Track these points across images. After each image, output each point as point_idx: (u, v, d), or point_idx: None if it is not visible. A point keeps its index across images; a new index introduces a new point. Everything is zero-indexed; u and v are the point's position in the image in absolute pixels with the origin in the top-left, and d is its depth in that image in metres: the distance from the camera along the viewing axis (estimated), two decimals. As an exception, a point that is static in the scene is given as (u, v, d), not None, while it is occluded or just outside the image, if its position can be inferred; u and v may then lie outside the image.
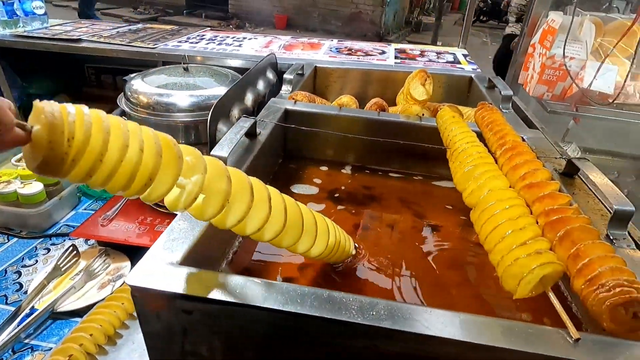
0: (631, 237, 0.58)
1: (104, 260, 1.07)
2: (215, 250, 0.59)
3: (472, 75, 1.35)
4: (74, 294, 0.97)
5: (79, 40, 1.63)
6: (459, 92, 1.37)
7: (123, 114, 1.17)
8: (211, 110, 0.85)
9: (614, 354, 0.39)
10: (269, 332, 0.45)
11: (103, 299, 0.91)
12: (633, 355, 0.39)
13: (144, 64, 1.51)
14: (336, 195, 0.85)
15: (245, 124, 0.71)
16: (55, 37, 1.65)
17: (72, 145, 0.31)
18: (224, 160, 0.61)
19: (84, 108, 0.33)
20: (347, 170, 0.95)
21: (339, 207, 0.81)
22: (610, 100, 1.28)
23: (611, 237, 0.57)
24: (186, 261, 0.48)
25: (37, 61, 1.77)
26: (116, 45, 1.60)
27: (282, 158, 0.97)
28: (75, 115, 0.31)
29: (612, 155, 1.46)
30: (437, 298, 0.62)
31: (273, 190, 0.47)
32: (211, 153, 0.61)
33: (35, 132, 0.30)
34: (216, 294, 0.43)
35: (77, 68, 1.97)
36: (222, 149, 0.62)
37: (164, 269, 0.45)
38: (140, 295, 0.44)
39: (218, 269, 0.60)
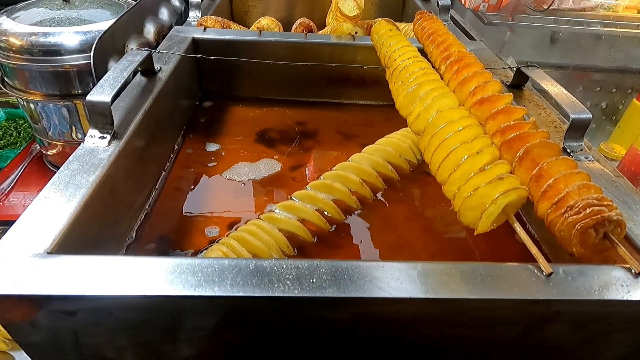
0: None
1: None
2: (111, 227, 0.46)
3: (406, -12, 1.22)
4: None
5: None
6: (392, 8, 1.25)
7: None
8: (94, 46, 0.67)
9: (589, 283, 0.34)
10: (186, 320, 0.35)
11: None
12: (608, 279, 0.35)
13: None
14: (267, 136, 0.73)
15: (136, 57, 0.56)
16: None
17: None
18: (107, 105, 0.46)
19: None
20: (276, 105, 0.82)
21: (271, 149, 0.70)
22: (546, 7, 1.23)
23: (568, 150, 0.51)
24: (62, 247, 0.35)
25: None
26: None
27: (198, 99, 0.82)
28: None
29: (549, 67, 1.44)
30: (387, 235, 0.55)
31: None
32: (87, 98, 0.46)
33: None
34: (100, 286, 0.31)
35: None
36: (102, 91, 0.47)
37: (24, 263, 0.33)
38: (-6, 305, 0.32)
39: (119, 252, 0.48)
